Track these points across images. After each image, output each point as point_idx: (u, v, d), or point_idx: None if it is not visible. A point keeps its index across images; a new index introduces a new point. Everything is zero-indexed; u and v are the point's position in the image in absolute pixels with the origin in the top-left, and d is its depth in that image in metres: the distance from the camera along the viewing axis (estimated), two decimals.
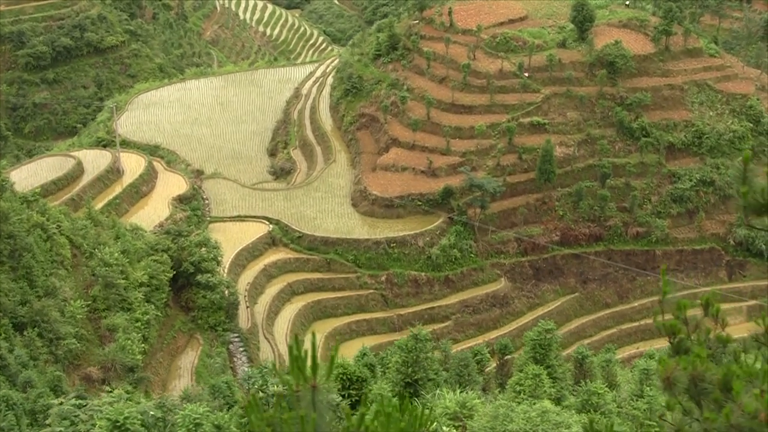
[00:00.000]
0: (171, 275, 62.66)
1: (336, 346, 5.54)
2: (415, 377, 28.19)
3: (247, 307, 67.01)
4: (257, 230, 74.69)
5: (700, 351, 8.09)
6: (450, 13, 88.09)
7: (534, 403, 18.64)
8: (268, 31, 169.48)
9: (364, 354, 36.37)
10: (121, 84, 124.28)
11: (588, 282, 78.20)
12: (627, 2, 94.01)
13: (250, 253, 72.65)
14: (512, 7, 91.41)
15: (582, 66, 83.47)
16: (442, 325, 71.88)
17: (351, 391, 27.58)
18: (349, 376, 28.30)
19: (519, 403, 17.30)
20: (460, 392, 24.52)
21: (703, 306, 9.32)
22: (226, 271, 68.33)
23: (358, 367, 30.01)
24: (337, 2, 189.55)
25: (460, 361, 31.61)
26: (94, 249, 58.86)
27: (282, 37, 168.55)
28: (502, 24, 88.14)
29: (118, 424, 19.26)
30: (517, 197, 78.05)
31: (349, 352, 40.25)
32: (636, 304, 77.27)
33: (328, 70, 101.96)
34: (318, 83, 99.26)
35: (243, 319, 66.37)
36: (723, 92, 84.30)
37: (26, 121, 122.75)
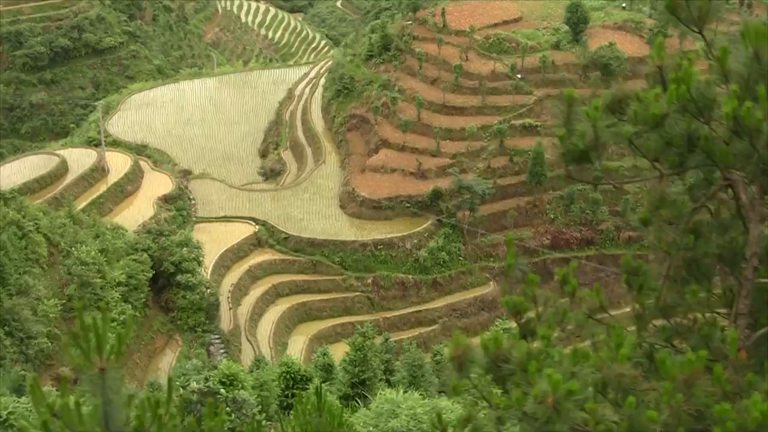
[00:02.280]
0: (151, 275, 61.77)
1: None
2: (363, 377, 27.22)
3: (230, 308, 66.10)
4: (243, 231, 73.81)
5: (546, 332, 7.11)
6: (443, 13, 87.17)
7: (424, 398, 17.74)
8: (270, 34, 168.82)
9: (324, 354, 35.45)
10: (119, 85, 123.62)
11: (579, 286, 76.78)
12: (623, 4, 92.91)
13: (235, 254, 71.77)
14: (506, 9, 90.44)
15: (576, 68, 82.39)
16: (429, 328, 70.80)
17: (294, 390, 26.70)
18: (293, 375, 27.43)
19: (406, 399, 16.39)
20: (404, 392, 23.44)
21: (559, 282, 8.32)
22: (209, 271, 67.45)
23: (303, 366, 29.12)
24: (339, 6, 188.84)
25: (413, 361, 30.61)
26: (71, 248, 58.04)
27: (284, 41, 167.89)
28: (495, 25, 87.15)
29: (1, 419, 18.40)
30: (508, 200, 76.96)
31: (335, 355, 39.16)
32: (628, 309, 75.75)
33: (321, 71, 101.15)
34: (311, 84, 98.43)
35: (225, 321, 65.44)
36: None
37: (23, 121, 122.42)
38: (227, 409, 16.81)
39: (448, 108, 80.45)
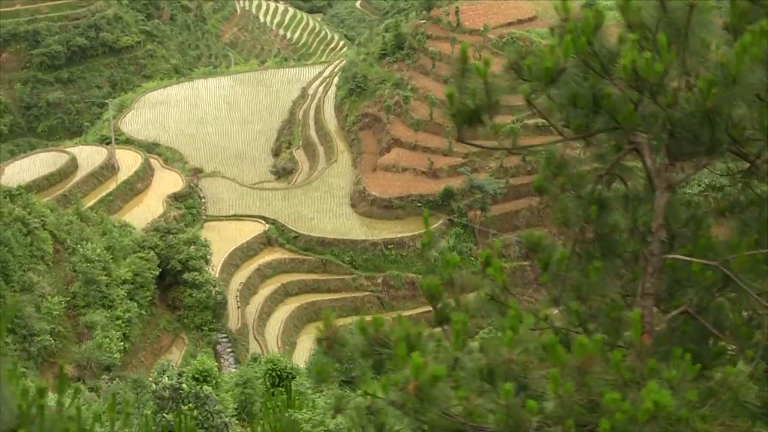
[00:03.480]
0: (157, 273, 61.42)
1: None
2: (352, 374, 26.51)
3: (238, 307, 65.67)
4: (253, 230, 73.38)
5: (459, 318, 6.46)
6: (457, 12, 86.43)
7: None
8: (289, 35, 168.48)
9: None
10: (135, 84, 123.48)
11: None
12: None
13: (245, 252, 71.33)
14: (521, 8, 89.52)
15: None
16: (439, 329, 69.90)
17: (280, 388, 26.14)
18: (279, 372, 26.88)
19: None
20: None
21: (483, 263, 7.66)
22: (218, 270, 67.06)
23: (290, 363, 28.57)
24: (359, 6, 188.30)
25: None
26: (77, 245, 57.79)
27: (302, 41, 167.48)
28: (510, 24, 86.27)
29: None
30: (520, 200, 75.97)
31: None
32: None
33: (336, 70, 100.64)
34: (325, 83, 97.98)
35: (233, 320, 65.02)
36: None
37: (39, 120, 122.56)
38: (190, 404, 16.23)
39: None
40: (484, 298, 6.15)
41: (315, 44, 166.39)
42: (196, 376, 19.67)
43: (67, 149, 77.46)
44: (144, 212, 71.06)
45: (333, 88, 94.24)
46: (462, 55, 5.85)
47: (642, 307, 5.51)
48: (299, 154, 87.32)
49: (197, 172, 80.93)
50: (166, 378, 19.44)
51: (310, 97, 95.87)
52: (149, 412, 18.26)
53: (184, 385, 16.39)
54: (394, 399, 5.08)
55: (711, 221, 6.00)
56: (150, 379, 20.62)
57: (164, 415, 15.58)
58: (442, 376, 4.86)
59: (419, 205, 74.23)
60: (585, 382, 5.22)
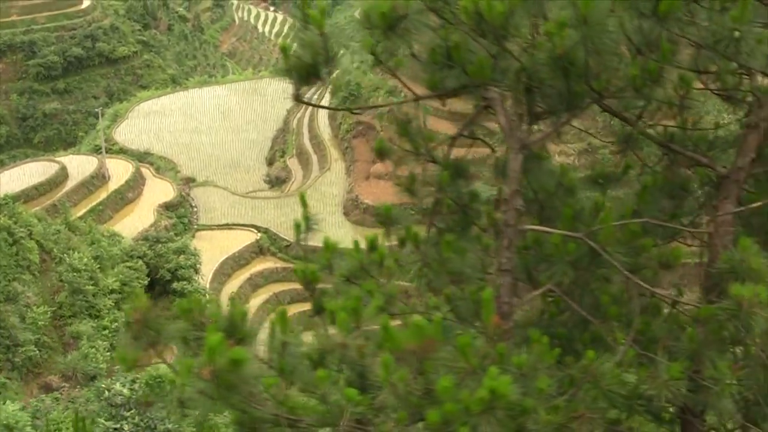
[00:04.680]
0: (146, 282, 60.78)
1: None
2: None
3: None
4: (245, 239, 72.76)
5: (333, 306, 5.85)
6: None
7: None
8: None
9: None
10: (132, 94, 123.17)
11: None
12: None
13: (236, 261, 70.69)
14: None
15: None
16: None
17: None
18: None
19: None
20: None
21: (368, 246, 7.04)
22: (209, 279, 66.42)
23: None
24: (358, 16, 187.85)
25: None
26: (64, 254, 57.21)
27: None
28: None
29: None
30: None
31: None
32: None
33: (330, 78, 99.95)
34: (319, 91, 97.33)
35: None
36: None
37: (36, 131, 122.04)
38: (132, 411, 15.61)
39: (453, 114, 78.84)
40: (340, 279, 5.51)
41: None
42: (150, 382, 19.06)
43: (58, 159, 76.89)
44: (134, 222, 70.47)
45: (327, 96, 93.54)
46: (303, 2, 5.21)
47: (498, 285, 4.84)
48: (293, 163, 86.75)
49: (189, 181, 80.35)
50: (118, 385, 18.84)
51: (304, 106, 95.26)
52: (103, 420, 17.66)
53: (125, 391, 15.75)
54: (201, 387, 4.45)
55: (587, 190, 5.36)
56: (103, 385, 20.04)
57: (104, 421, 14.94)
58: (243, 360, 4.21)
59: (413, 213, 73.33)
60: (423, 369, 4.57)
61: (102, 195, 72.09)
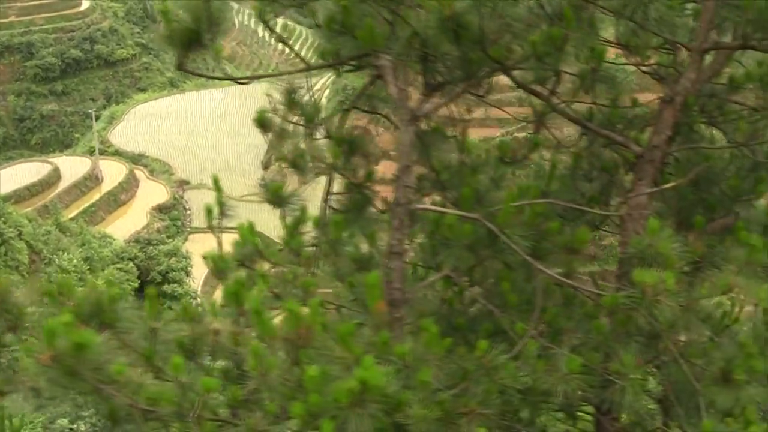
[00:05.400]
0: (136, 284, 60.40)
1: None
2: None
3: None
4: None
5: (253, 299, 5.49)
6: None
7: None
8: (287, 49, 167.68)
9: None
10: (130, 97, 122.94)
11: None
12: None
13: None
14: None
15: None
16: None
17: None
18: None
19: None
20: None
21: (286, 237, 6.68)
22: (201, 282, 65.97)
23: None
24: None
25: None
26: (53, 255, 56.91)
27: (302, 55, 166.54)
28: None
29: None
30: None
31: None
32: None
33: (327, 82, 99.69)
34: (316, 95, 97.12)
35: None
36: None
37: (33, 132, 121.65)
38: None
39: (449, 119, 78.65)
40: (233, 263, 5.16)
41: (314, 59, 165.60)
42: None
43: (51, 159, 76.57)
44: (127, 224, 70.07)
45: (324, 101, 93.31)
46: None
47: (388, 269, 4.46)
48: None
49: (183, 183, 80.00)
50: None
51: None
52: None
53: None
54: (52, 375, 4.07)
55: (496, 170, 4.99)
56: None
57: None
58: (88, 344, 3.83)
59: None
60: (299, 359, 4.19)
61: (95, 196, 71.75)
